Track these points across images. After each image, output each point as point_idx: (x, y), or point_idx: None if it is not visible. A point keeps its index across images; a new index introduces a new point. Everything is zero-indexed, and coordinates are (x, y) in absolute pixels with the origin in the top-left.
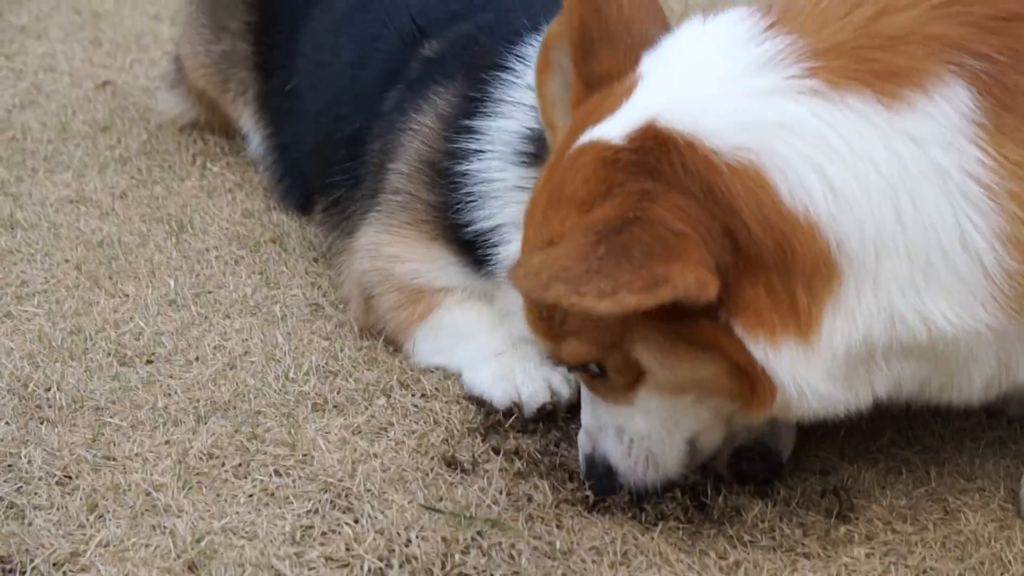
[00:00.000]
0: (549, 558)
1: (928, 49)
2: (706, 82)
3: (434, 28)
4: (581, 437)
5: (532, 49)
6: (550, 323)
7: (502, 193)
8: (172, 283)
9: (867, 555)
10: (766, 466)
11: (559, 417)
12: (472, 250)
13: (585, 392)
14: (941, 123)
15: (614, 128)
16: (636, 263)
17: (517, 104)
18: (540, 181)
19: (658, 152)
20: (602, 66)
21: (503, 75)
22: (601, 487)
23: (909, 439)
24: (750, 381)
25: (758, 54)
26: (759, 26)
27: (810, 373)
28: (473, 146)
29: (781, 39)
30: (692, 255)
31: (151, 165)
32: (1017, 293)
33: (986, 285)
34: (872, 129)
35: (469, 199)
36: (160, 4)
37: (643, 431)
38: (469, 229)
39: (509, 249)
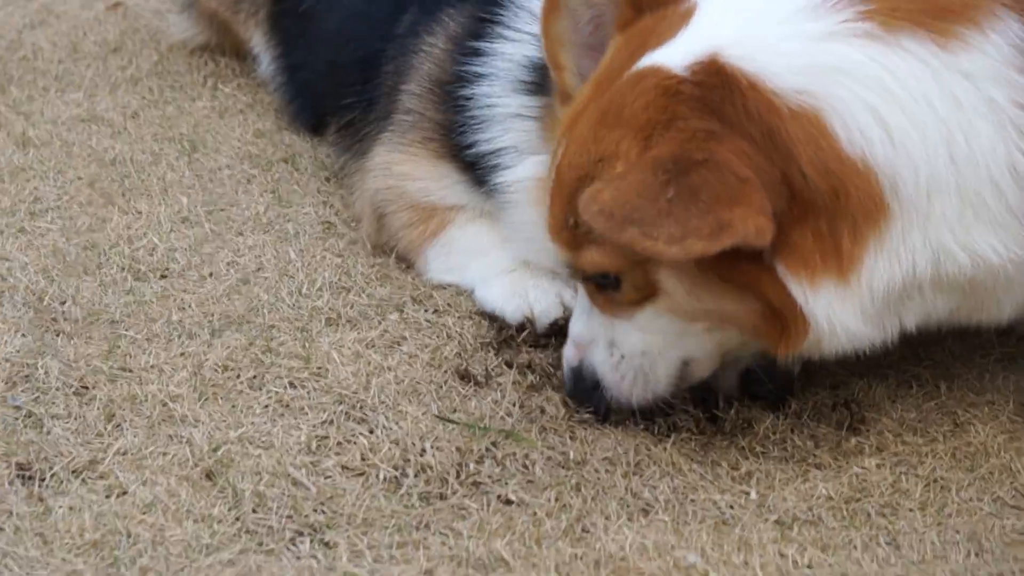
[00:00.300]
0: (563, 467)
1: None
2: (765, 22)
3: None
4: (567, 350)
5: None
6: (576, 231)
7: (504, 119)
8: (185, 201)
9: (878, 465)
10: (778, 386)
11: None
12: (475, 169)
13: (583, 301)
14: (994, 58)
15: (676, 56)
16: (703, 208)
17: (524, 32)
18: (585, 94)
19: (722, 90)
20: None
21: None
22: (586, 402)
23: (919, 355)
24: (782, 321)
25: None
26: None
27: (845, 313)
28: (478, 69)
29: None
30: (754, 201)
31: (162, 86)
32: None
33: None
34: (927, 70)
35: (472, 122)
36: None
37: (638, 348)
38: (471, 151)
39: (509, 174)
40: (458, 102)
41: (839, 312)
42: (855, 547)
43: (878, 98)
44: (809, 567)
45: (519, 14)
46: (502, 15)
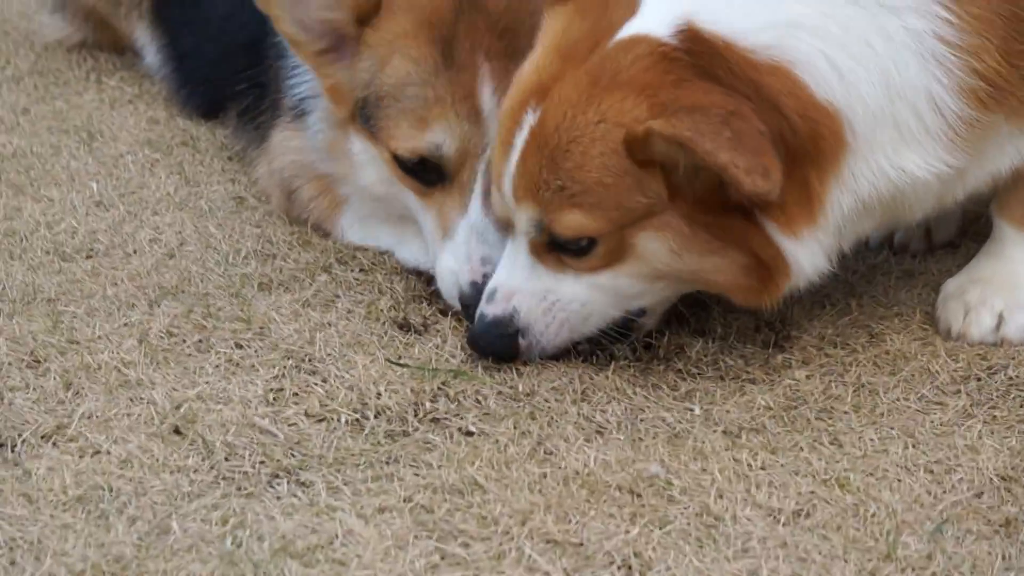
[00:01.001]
0: (514, 400)
1: None
2: None
3: None
4: (487, 302)
5: None
6: (559, 194)
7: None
8: (95, 186)
9: (807, 376)
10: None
11: None
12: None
13: (517, 257)
14: None
15: (656, 25)
16: (753, 150)
17: None
18: (550, 62)
19: (709, 56)
20: None
21: None
22: (495, 346)
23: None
24: (767, 271)
25: None
26: None
27: (818, 253)
28: None
29: None
30: (773, 153)
31: (46, 83)
32: (972, 135)
33: (948, 132)
34: (863, 11)
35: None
36: None
37: (580, 299)
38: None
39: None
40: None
41: (814, 253)
42: (801, 448)
43: (827, 45)
44: (763, 468)
45: None
46: None
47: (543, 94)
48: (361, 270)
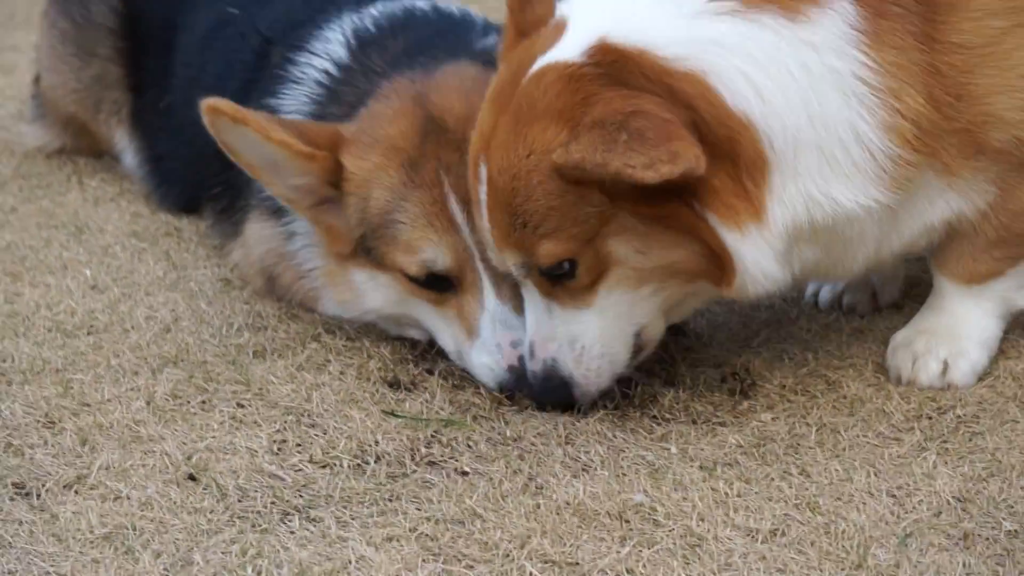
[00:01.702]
0: (503, 444)
1: None
2: (639, 6)
3: (279, 37)
4: (527, 358)
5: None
6: (524, 231)
7: None
8: (88, 272)
9: (773, 419)
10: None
11: None
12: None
13: (536, 305)
14: (833, 32)
15: (568, 51)
16: (653, 142)
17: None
18: (486, 117)
19: (619, 64)
20: (535, 14)
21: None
22: (556, 399)
23: (782, 335)
24: (720, 260)
25: None
26: None
27: (763, 254)
28: None
29: None
30: (685, 135)
31: (31, 186)
32: (900, 174)
33: (876, 168)
34: (781, 40)
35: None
36: None
37: (596, 333)
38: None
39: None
40: None
41: (760, 253)
42: (772, 479)
43: (746, 64)
44: (739, 496)
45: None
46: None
47: (486, 146)
48: (348, 338)
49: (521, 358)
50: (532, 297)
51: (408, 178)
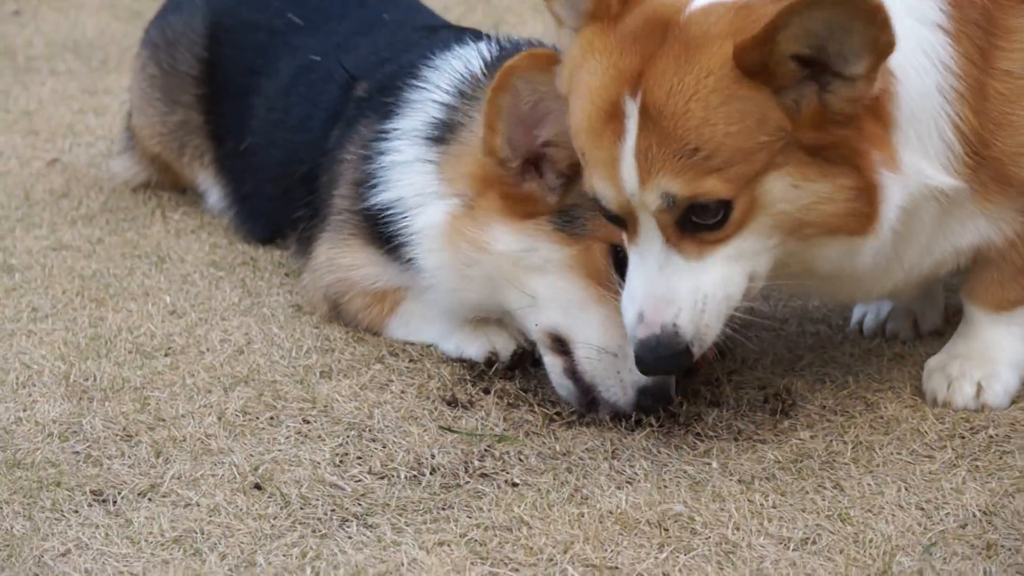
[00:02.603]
0: (552, 458)
1: None
2: None
3: (365, 72)
4: (638, 324)
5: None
6: (692, 160)
7: (403, 167)
8: (168, 299)
9: (811, 437)
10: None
11: (528, 362)
12: (396, 248)
13: (649, 261)
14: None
15: None
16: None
17: (422, 103)
18: (616, 57)
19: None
20: None
21: (412, 82)
22: (674, 364)
23: (825, 359)
24: (868, 199)
25: None
26: None
27: (901, 193)
28: (382, 144)
29: None
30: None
31: (116, 219)
32: (959, 174)
33: (951, 159)
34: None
35: (377, 180)
36: (83, 100)
37: (719, 281)
38: (382, 217)
39: (418, 221)
40: (368, 179)
41: (903, 198)
42: (807, 492)
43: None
44: (774, 507)
45: (418, 90)
46: (401, 112)
47: (635, 80)
48: (411, 360)
49: None
50: (647, 251)
51: None
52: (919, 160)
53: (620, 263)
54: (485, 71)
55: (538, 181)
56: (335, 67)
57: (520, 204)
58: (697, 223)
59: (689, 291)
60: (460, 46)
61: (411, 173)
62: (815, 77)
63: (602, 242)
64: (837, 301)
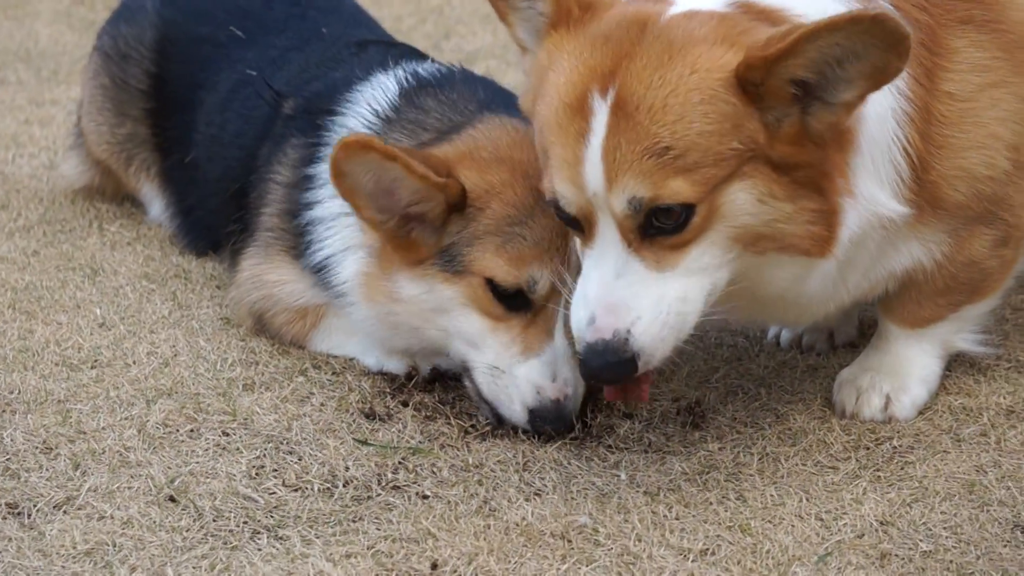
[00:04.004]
0: (464, 470)
1: None
2: None
3: (294, 89)
4: (586, 329)
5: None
6: (660, 160)
7: (330, 221)
8: (98, 311)
9: (720, 448)
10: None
11: (447, 376)
12: (320, 273)
13: (607, 266)
14: None
15: (710, 4)
16: None
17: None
18: (589, 55)
19: (764, 15)
20: None
21: (336, 119)
22: (617, 373)
23: (740, 372)
24: (828, 222)
25: None
26: None
27: (855, 221)
28: (309, 189)
29: None
30: None
31: (54, 230)
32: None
33: (898, 186)
34: None
35: (308, 227)
36: (29, 111)
37: (679, 295)
38: (313, 258)
39: (342, 273)
40: (301, 225)
41: (857, 224)
42: (711, 503)
43: None
44: (677, 519)
45: (339, 133)
46: (327, 136)
47: (608, 78)
48: (333, 372)
49: (566, 398)
50: (604, 255)
51: (535, 203)
52: (873, 187)
53: (498, 295)
54: (397, 103)
55: (419, 227)
56: (262, 84)
57: (410, 252)
58: (659, 226)
59: (652, 301)
60: (382, 71)
61: (336, 227)
62: (800, 100)
63: (478, 276)
64: (780, 324)
